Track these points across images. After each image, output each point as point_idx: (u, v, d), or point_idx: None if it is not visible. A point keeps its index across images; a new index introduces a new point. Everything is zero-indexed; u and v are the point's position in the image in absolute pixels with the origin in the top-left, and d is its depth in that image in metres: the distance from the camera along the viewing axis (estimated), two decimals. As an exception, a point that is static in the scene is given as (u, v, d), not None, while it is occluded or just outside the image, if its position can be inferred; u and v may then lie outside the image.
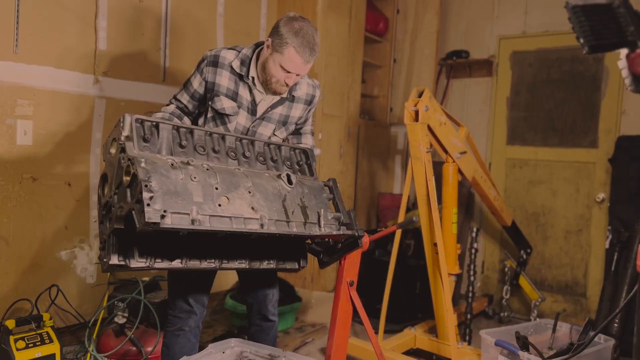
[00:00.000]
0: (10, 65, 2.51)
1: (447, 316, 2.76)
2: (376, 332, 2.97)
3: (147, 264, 1.60)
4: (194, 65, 2.10)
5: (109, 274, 2.82)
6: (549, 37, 4.07)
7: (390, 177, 4.82)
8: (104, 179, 1.64)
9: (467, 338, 3.37)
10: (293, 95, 2.11)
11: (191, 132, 1.73)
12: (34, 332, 2.37)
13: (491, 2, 4.36)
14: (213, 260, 1.74)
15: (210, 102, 2.05)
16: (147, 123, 1.62)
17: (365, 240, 1.92)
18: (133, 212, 1.43)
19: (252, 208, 1.62)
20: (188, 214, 1.46)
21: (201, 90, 2.06)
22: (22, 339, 2.32)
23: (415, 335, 3.20)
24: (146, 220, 1.37)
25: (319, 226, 1.76)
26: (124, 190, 1.49)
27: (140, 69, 3.08)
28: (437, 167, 2.98)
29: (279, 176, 1.78)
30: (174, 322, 2.10)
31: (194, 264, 1.69)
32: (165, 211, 1.41)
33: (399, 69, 4.70)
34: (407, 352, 3.10)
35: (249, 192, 1.65)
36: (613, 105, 3.82)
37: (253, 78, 2.03)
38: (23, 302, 2.55)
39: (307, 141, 2.30)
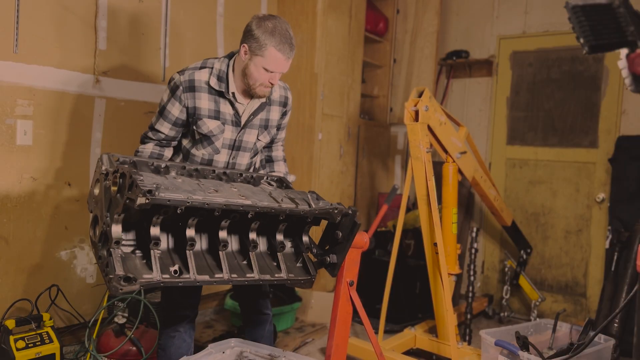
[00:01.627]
0: (10, 65, 2.51)
1: (447, 316, 2.76)
2: (376, 332, 2.97)
3: (156, 278, 1.58)
4: (194, 66, 2.10)
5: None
6: (549, 37, 4.07)
7: (390, 177, 4.81)
8: (94, 221, 1.64)
9: (467, 338, 3.37)
10: (269, 99, 2.14)
11: (167, 166, 1.81)
12: (34, 332, 2.37)
13: (491, 2, 4.36)
14: (222, 274, 1.71)
15: (194, 127, 2.04)
16: (123, 159, 1.71)
17: (365, 240, 1.92)
18: (128, 200, 1.45)
19: (242, 196, 1.67)
20: (181, 195, 1.51)
21: (183, 117, 2.04)
22: (22, 338, 2.32)
23: (415, 335, 3.20)
24: (141, 188, 1.40)
25: (310, 206, 1.80)
26: (116, 200, 1.51)
27: (140, 69, 3.08)
28: (437, 167, 2.98)
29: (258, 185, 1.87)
30: (168, 324, 2.11)
31: (204, 278, 1.67)
32: (157, 185, 1.45)
33: (399, 69, 4.69)
34: (407, 352, 3.10)
35: (235, 189, 1.71)
36: (613, 105, 3.82)
37: (234, 93, 2.03)
38: (23, 302, 2.56)
39: (279, 169, 2.33)
